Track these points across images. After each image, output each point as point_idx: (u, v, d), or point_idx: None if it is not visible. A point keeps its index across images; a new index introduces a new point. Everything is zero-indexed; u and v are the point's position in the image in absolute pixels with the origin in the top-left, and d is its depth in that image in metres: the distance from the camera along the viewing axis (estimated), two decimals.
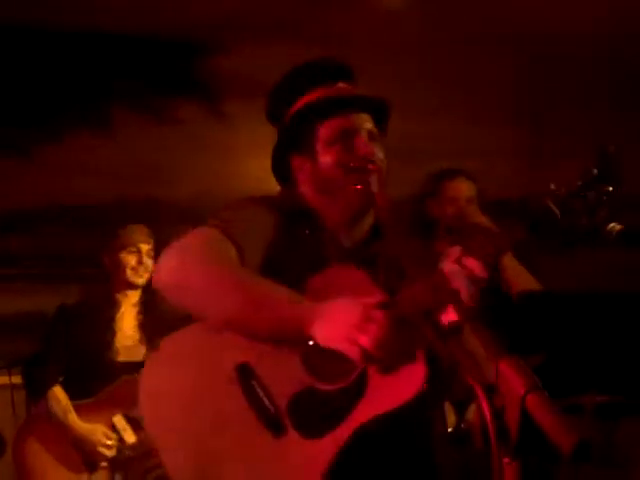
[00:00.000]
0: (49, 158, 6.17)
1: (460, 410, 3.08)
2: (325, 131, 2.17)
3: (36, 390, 4.03)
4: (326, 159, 2.17)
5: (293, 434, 1.93)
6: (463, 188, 3.86)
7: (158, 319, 4.06)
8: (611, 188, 1.80)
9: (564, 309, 3.43)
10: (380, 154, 2.19)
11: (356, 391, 1.92)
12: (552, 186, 1.88)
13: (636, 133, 5.14)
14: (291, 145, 2.24)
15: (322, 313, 1.92)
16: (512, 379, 1.28)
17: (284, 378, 1.96)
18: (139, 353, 4.06)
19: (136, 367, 4.00)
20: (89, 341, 4.01)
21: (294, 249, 2.15)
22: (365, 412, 1.89)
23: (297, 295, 2.00)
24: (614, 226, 1.86)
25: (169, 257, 2.07)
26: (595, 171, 1.81)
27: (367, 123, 2.20)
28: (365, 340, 1.85)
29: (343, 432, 1.89)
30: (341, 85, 2.23)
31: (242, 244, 2.07)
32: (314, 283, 2.06)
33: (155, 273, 2.10)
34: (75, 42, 5.77)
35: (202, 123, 5.61)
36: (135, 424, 3.91)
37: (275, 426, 1.94)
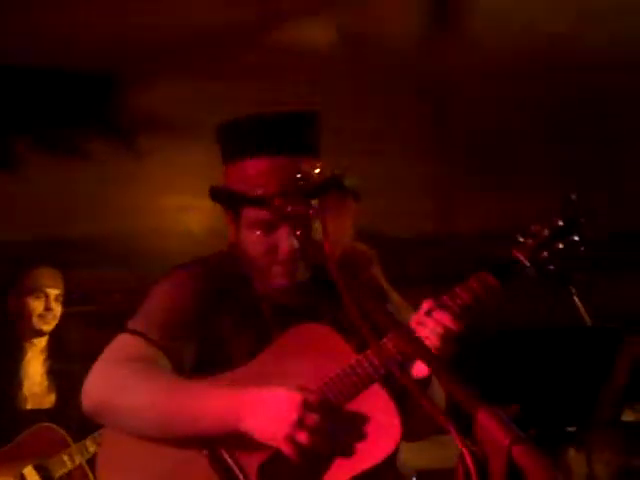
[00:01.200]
0: None
1: None
2: (248, 215, 2.05)
3: None
4: (246, 239, 2.07)
5: None
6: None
7: (66, 364, 3.87)
8: (577, 237, 1.89)
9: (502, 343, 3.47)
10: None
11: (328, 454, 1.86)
12: (520, 238, 1.95)
13: (560, 165, 5.23)
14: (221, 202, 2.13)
15: (252, 409, 1.84)
16: (494, 430, 1.20)
17: (253, 444, 1.87)
18: (48, 400, 3.88)
19: (45, 415, 3.81)
20: None
21: (232, 319, 2.08)
22: (339, 475, 1.83)
23: (225, 395, 1.90)
24: None
25: (93, 378, 2.02)
26: (560, 222, 1.90)
27: None
28: (303, 437, 1.78)
29: None
30: (281, 160, 2.00)
31: (168, 343, 2.01)
32: (282, 346, 2.00)
33: (83, 395, 2.03)
34: None
35: (113, 158, 5.44)
36: (46, 476, 3.69)
37: None
